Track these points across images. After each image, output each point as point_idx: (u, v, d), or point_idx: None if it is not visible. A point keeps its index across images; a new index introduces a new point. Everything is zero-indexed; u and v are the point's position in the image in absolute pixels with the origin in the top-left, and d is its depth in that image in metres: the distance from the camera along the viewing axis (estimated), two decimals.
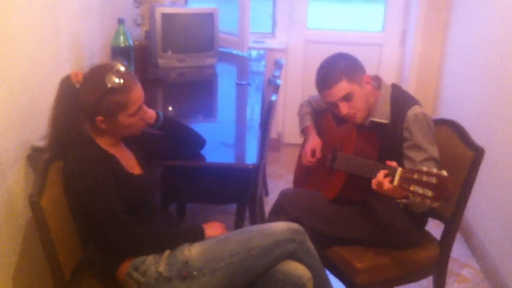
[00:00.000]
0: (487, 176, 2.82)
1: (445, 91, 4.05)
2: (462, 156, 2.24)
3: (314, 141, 2.49)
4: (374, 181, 1.93)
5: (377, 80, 2.31)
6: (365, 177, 2.09)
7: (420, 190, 1.75)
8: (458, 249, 3.22)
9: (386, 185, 1.88)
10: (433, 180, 1.73)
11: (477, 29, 3.46)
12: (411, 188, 1.78)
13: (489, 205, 3.04)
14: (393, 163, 1.92)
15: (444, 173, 1.72)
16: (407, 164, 2.11)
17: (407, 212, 2.15)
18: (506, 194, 2.84)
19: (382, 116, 2.23)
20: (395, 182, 1.85)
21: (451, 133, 2.33)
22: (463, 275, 3.04)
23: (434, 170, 1.74)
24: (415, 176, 1.78)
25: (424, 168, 1.77)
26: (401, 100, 2.22)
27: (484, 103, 3.21)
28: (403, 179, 1.83)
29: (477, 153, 2.20)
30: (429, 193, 1.73)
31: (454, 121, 2.37)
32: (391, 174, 1.89)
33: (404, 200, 1.89)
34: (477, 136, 2.30)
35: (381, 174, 1.91)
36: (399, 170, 1.85)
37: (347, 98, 2.19)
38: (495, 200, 2.97)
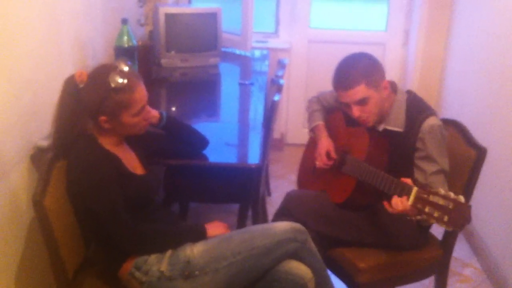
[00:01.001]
0: (489, 175, 2.82)
1: (447, 90, 4.05)
2: (464, 156, 2.24)
3: (327, 143, 2.41)
4: (390, 203, 1.90)
5: (392, 85, 2.25)
6: (375, 187, 2.08)
7: (435, 213, 1.73)
8: (460, 249, 3.21)
9: (403, 204, 1.85)
10: (450, 205, 1.70)
11: (479, 28, 3.45)
12: (426, 209, 1.76)
13: (491, 204, 3.04)
14: (408, 180, 1.90)
15: (461, 199, 1.70)
16: (418, 175, 2.10)
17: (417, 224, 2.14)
18: (508, 194, 2.84)
19: (396, 124, 2.19)
20: (410, 202, 1.82)
21: (454, 132, 2.33)
22: (465, 275, 3.04)
23: (452, 195, 1.71)
24: (431, 198, 1.76)
25: (442, 191, 1.74)
26: (417, 109, 2.18)
27: (487, 102, 3.21)
28: (418, 199, 1.80)
29: (480, 153, 2.19)
30: (445, 218, 1.70)
31: (456, 121, 2.37)
32: (406, 192, 1.86)
33: (418, 217, 1.87)
34: (480, 136, 2.30)
35: (398, 200, 1.88)
36: (415, 190, 1.83)
37: (362, 102, 2.13)
38: (497, 199, 2.97)
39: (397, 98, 2.21)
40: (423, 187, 1.86)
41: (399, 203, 1.86)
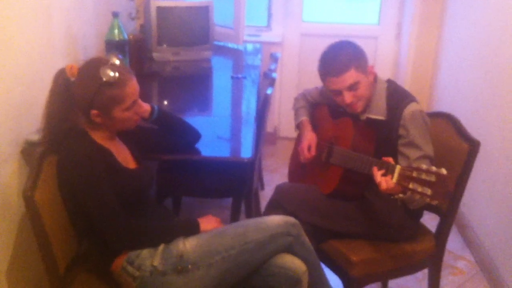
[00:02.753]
0: (482, 168, 2.83)
1: (440, 83, 4.05)
2: (457, 149, 2.24)
3: (310, 137, 2.45)
4: (376, 180, 1.91)
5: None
6: (362, 172, 2.09)
7: (419, 188, 1.75)
8: (453, 242, 3.23)
9: (388, 182, 1.86)
10: (432, 178, 1.72)
11: (472, 22, 3.45)
12: (410, 185, 1.78)
13: (484, 197, 3.05)
14: (390, 159, 1.91)
15: (443, 171, 1.72)
16: (402, 161, 2.11)
17: (404, 208, 2.15)
18: (501, 186, 2.84)
19: (378, 112, 2.21)
20: (394, 179, 1.84)
21: (447, 125, 2.33)
22: (458, 268, 3.05)
23: (433, 168, 1.74)
24: (414, 174, 1.78)
25: (424, 166, 1.77)
26: (397, 96, 2.20)
27: (479, 95, 3.21)
28: (401, 176, 1.83)
29: (473, 146, 2.20)
30: (428, 191, 1.73)
31: (449, 114, 2.37)
32: (390, 171, 1.88)
33: (401, 195, 1.89)
34: (472, 129, 2.31)
35: (378, 174, 1.90)
36: (398, 167, 1.85)
37: (353, 87, 2.15)
38: (490, 192, 2.98)
39: (377, 87, 2.23)
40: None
41: (383, 182, 1.88)
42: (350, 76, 2.13)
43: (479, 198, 3.10)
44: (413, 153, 2.10)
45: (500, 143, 2.86)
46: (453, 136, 2.29)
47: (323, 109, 2.51)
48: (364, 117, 2.25)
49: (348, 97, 2.17)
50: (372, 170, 1.95)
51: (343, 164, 2.22)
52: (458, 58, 3.68)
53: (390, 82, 2.28)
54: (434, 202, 1.74)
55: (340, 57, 2.16)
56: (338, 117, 2.37)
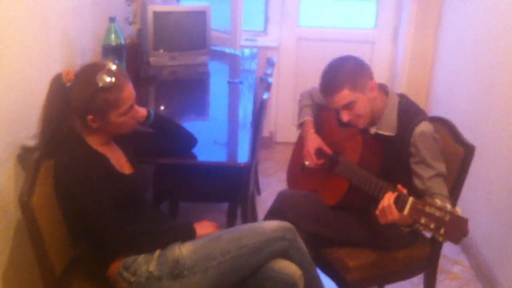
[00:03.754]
0: (478, 173, 2.83)
1: (436, 87, 4.06)
2: (453, 153, 2.24)
3: (316, 140, 2.40)
4: (380, 205, 1.89)
5: (383, 88, 2.24)
6: (368, 192, 2.07)
7: (431, 224, 1.72)
8: (449, 246, 3.21)
9: (394, 212, 1.85)
10: (446, 217, 1.69)
11: (468, 26, 3.46)
12: (422, 220, 1.75)
13: (479, 202, 3.05)
14: (404, 190, 1.89)
15: (458, 211, 1.69)
16: (416, 180, 2.10)
17: None
18: (497, 191, 2.85)
19: (388, 128, 2.18)
20: (406, 212, 1.81)
21: (442, 130, 2.33)
22: (454, 272, 3.05)
23: (448, 207, 1.71)
24: (427, 209, 1.75)
25: (438, 202, 1.73)
26: (409, 113, 2.17)
27: (476, 99, 3.22)
28: (414, 209, 1.80)
29: (468, 150, 2.20)
30: (442, 230, 1.70)
31: (445, 119, 2.37)
32: (401, 201, 1.85)
33: (408, 229, 1.88)
34: (468, 133, 2.31)
35: (391, 197, 1.87)
36: (411, 199, 1.82)
37: (348, 106, 2.12)
38: (486, 197, 2.98)
39: (388, 102, 2.19)
40: (419, 197, 1.84)
41: (388, 212, 1.86)
42: (343, 96, 2.10)
43: (475, 203, 3.11)
44: (426, 172, 2.09)
45: (496, 147, 2.87)
46: (449, 140, 2.29)
47: (330, 113, 2.42)
48: (373, 131, 2.22)
49: (344, 116, 2.15)
50: (384, 194, 1.91)
51: (349, 177, 2.18)
52: (454, 62, 3.69)
53: (402, 97, 2.23)
54: (446, 241, 1.72)
55: (335, 76, 2.13)
56: (345, 125, 2.28)
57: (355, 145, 2.23)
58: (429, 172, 2.09)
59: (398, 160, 2.15)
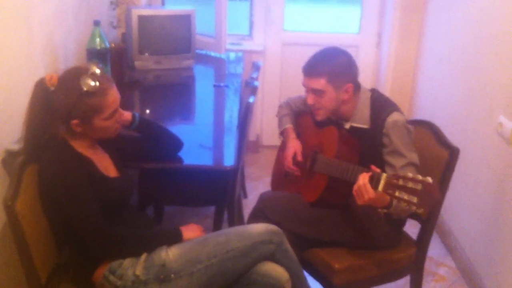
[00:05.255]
0: (462, 175, 2.86)
1: (420, 91, 4.09)
2: (437, 156, 2.26)
3: (294, 145, 2.45)
4: (356, 186, 1.92)
5: (357, 86, 2.28)
6: (346, 181, 2.09)
7: (405, 196, 1.76)
8: (435, 248, 3.25)
9: (369, 190, 1.87)
10: (419, 186, 1.74)
11: (451, 31, 3.50)
12: (396, 193, 1.79)
13: (464, 204, 3.08)
14: (377, 169, 1.92)
15: (429, 179, 1.74)
16: (388, 170, 2.13)
17: (387, 218, 2.16)
18: (481, 193, 2.87)
19: (362, 121, 2.24)
20: (380, 188, 1.85)
21: (427, 133, 2.36)
22: (439, 274, 3.07)
23: (420, 177, 1.75)
24: (400, 182, 1.79)
25: (410, 174, 1.78)
26: (380, 106, 2.23)
27: (459, 103, 3.25)
28: (388, 184, 1.83)
29: (452, 153, 2.22)
30: (415, 199, 1.74)
31: (429, 122, 2.40)
32: (375, 179, 1.88)
33: (385, 210, 1.90)
34: (452, 136, 2.33)
35: (365, 176, 1.90)
36: (384, 175, 1.86)
37: (317, 93, 2.21)
38: (471, 199, 3.01)
39: (361, 96, 2.26)
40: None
41: (364, 191, 1.88)
42: (319, 83, 2.19)
43: (460, 205, 3.13)
44: (398, 161, 2.13)
45: (479, 150, 2.89)
46: (433, 143, 2.31)
47: (307, 118, 2.51)
48: (348, 125, 2.27)
49: (310, 98, 2.24)
50: (359, 176, 1.94)
51: (327, 172, 2.22)
52: (438, 66, 3.72)
53: (373, 91, 2.30)
54: (420, 210, 1.76)
55: (323, 62, 2.21)
56: (322, 126, 2.37)
57: (331, 141, 2.28)
58: (401, 161, 2.12)
59: (374, 152, 2.19)
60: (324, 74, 2.18)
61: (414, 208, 1.75)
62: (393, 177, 1.83)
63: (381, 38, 4.46)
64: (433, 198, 1.74)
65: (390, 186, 1.82)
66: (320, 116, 2.28)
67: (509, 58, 2.62)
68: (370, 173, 1.92)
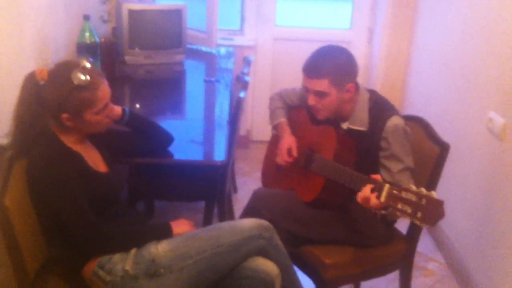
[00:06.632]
0: (452, 171, 2.87)
1: (411, 87, 4.10)
2: (428, 152, 2.27)
3: (290, 140, 2.40)
4: (360, 195, 1.89)
5: (356, 86, 2.25)
6: (343, 184, 2.07)
7: (408, 209, 1.72)
8: (424, 244, 3.26)
9: (373, 201, 1.84)
10: (423, 201, 1.70)
11: (442, 27, 3.51)
12: (399, 206, 1.75)
13: (454, 199, 3.09)
14: (378, 177, 1.90)
15: (434, 195, 1.70)
16: (383, 173, 2.11)
17: (383, 218, 2.15)
18: (471, 189, 2.89)
19: (360, 123, 2.20)
20: (382, 199, 1.81)
21: (417, 129, 2.36)
22: (429, 269, 3.08)
23: (424, 191, 1.71)
24: (403, 194, 1.75)
25: (414, 188, 1.74)
26: (380, 108, 2.20)
27: (450, 99, 3.26)
28: (390, 196, 1.80)
29: (443, 149, 2.22)
30: (419, 214, 1.70)
31: (420, 117, 2.40)
32: (377, 189, 1.85)
33: (383, 212, 1.88)
34: (443, 132, 2.34)
35: (367, 189, 1.87)
36: (387, 186, 1.82)
37: (320, 94, 2.16)
38: (460, 194, 3.02)
39: (359, 97, 2.22)
40: (394, 183, 1.86)
41: (369, 200, 1.85)
42: (321, 84, 2.14)
43: (450, 201, 3.14)
44: (395, 166, 2.12)
45: (470, 145, 2.91)
46: (423, 139, 2.31)
47: (302, 112, 2.45)
48: (345, 126, 2.25)
49: (311, 100, 2.19)
50: (362, 187, 1.91)
51: (324, 173, 2.18)
52: (429, 62, 3.73)
53: (372, 93, 2.27)
54: (423, 225, 1.72)
55: (324, 62, 2.15)
56: (318, 123, 2.33)
57: (329, 142, 2.24)
58: (398, 166, 2.12)
59: (371, 155, 2.17)
60: (326, 75, 2.12)
61: (418, 222, 1.71)
62: (396, 189, 1.78)
63: (372, 34, 4.46)
64: (438, 214, 1.69)
65: (393, 197, 1.78)
66: (322, 116, 2.23)
67: (500, 54, 2.63)
68: (372, 185, 1.88)
